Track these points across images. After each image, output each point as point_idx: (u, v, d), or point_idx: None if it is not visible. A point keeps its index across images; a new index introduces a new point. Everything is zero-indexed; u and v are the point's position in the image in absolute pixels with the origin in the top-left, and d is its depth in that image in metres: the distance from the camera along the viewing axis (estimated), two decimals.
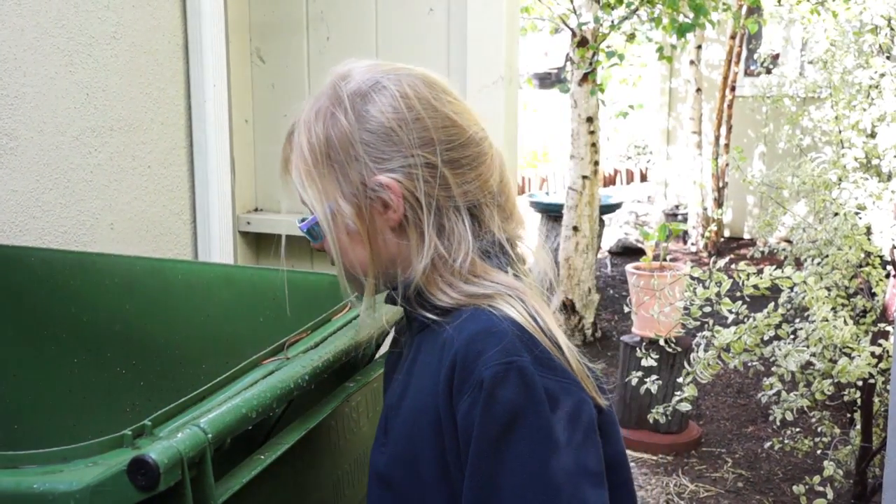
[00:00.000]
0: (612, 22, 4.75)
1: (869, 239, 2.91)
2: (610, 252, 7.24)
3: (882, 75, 3.51)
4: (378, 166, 0.99)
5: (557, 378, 0.92)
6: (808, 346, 2.52)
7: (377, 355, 1.44)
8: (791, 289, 2.56)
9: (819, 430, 3.02)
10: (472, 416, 0.90)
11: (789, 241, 3.54)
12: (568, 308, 5.00)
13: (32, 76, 1.95)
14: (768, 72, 6.56)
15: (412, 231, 1.00)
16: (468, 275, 0.99)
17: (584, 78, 4.82)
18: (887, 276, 3.00)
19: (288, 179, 1.06)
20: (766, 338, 2.56)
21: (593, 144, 4.93)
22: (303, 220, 1.06)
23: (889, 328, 2.77)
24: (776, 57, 7.32)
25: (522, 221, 1.10)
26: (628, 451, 3.61)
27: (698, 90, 7.13)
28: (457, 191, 1.00)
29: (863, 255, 2.86)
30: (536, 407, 0.89)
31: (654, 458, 3.61)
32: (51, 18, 1.99)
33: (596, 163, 4.97)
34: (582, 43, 4.76)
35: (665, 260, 3.99)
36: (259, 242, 2.68)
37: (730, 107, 6.94)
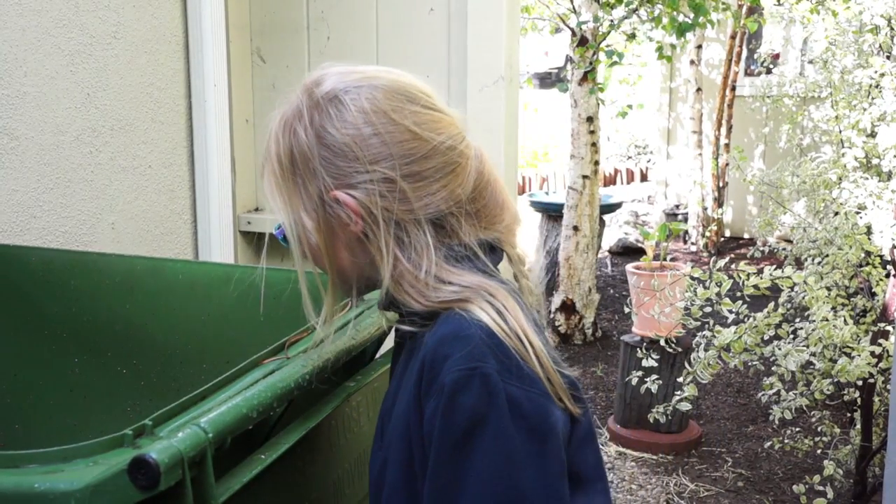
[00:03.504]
0: (612, 21, 4.75)
1: (869, 238, 2.91)
2: (610, 252, 7.24)
3: (882, 75, 3.50)
4: (336, 182, 0.99)
5: (523, 387, 0.90)
6: (808, 346, 2.52)
7: (377, 355, 1.44)
8: (791, 288, 2.56)
9: (819, 429, 3.02)
10: (433, 421, 0.90)
11: (789, 241, 3.54)
12: (568, 308, 5.01)
13: (33, 76, 1.95)
14: (768, 71, 6.56)
15: (372, 245, 1.00)
16: (435, 282, 0.98)
17: (584, 77, 4.82)
18: (887, 275, 3.00)
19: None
20: (766, 337, 2.56)
21: (593, 144, 4.93)
22: (279, 227, 1.08)
23: (889, 328, 2.76)
24: (776, 57, 7.31)
25: (517, 220, 1.08)
26: (628, 451, 3.65)
27: (698, 90, 7.13)
28: (417, 204, 0.98)
29: (863, 255, 2.86)
30: (498, 414, 0.88)
31: (655, 457, 3.61)
32: (52, 18, 1.99)
33: (596, 162, 4.97)
34: (582, 42, 4.76)
35: (665, 260, 3.99)
36: (259, 242, 2.68)
37: (730, 106, 6.94)
